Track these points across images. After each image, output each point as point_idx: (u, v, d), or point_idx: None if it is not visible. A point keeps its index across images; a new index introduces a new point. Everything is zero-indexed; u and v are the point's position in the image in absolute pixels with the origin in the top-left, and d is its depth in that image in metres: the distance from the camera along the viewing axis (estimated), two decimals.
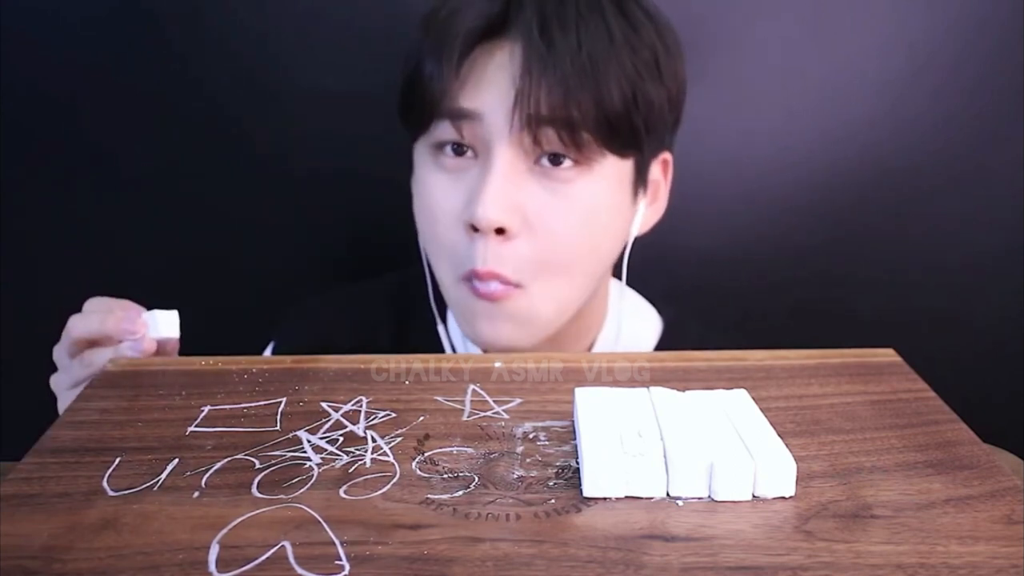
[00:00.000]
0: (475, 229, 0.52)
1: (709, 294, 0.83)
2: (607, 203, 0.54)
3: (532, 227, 0.52)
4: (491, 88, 0.51)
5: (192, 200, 0.81)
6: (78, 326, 0.51)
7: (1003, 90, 0.77)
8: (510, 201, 0.51)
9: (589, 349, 0.64)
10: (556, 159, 0.52)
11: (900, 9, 0.75)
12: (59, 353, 0.53)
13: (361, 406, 0.42)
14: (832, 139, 0.79)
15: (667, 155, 0.60)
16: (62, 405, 0.54)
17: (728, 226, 0.82)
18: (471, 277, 0.53)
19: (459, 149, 0.53)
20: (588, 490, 0.35)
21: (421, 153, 0.56)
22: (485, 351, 0.58)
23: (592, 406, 0.39)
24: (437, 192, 0.54)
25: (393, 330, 0.68)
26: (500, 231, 0.51)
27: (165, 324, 0.52)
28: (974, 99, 0.77)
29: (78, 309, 0.55)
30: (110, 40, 0.75)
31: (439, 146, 0.54)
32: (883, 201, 0.81)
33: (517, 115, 0.50)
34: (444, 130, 0.53)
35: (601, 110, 0.51)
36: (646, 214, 0.60)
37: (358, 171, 0.79)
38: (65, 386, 0.53)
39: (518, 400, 0.43)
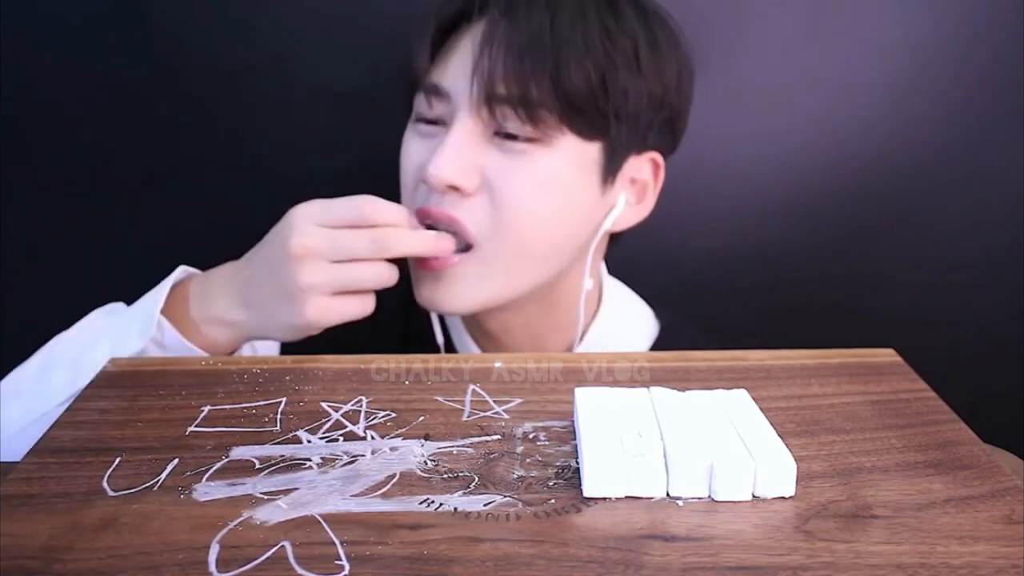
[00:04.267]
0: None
1: (709, 294, 0.83)
2: (566, 179, 0.55)
3: (491, 188, 0.54)
4: (457, 66, 0.55)
5: (192, 200, 0.80)
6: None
7: (1004, 91, 0.77)
8: (465, 162, 0.53)
9: (570, 347, 0.64)
10: (512, 136, 0.54)
11: (902, 10, 0.75)
12: (348, 247, 0.51)
13: (361, 406, 0.42)
14: (833, 139, 0.79)
15: (656, 155, 0.59)
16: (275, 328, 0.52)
17: (728, 226, 0.82)
18: (417, 219, 0.55)
19: (433, 121, 0.57)
20: (588, 490, 0.35)
21: (409, 125, 0.59)
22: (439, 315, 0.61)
23: (592, 406, 0.39)
24: (407, 153, 0.58)
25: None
26: (455, 189, 0.54)
27: None
28: (975, 100, 0.77)
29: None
30: (109, 41, 0.75)
31: (418, 118, 0.58)
32: (883, 201, 0.81)
33: (475, 86, 0.53)
34: (420, 103, 0.57)
35: (560, 87, 0.52)
36: (627, 212, 0.60)
37: (358, 171, 0.79)
38: (317, 306, 0.50)
39: (518, 400, 0.43)
